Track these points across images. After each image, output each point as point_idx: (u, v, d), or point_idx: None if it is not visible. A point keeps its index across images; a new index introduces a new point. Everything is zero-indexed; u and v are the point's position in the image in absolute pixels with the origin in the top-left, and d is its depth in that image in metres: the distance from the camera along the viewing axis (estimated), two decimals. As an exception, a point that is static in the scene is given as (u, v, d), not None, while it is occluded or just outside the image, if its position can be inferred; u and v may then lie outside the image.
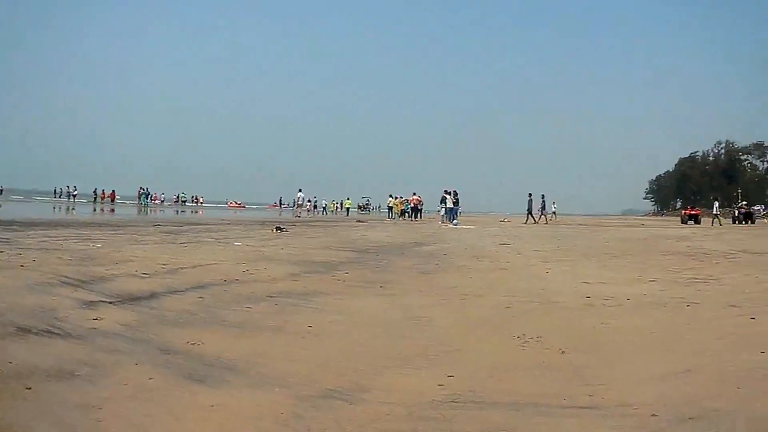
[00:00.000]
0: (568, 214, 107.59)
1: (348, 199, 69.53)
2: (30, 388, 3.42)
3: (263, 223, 27.85)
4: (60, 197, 67.93)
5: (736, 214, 48.84)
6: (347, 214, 60.28)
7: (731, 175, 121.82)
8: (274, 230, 20.40)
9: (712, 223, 44.75)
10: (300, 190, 50.53)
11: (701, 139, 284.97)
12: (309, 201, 57.96)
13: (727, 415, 3.34)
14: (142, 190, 64.62)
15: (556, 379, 4.06)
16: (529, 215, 42.99)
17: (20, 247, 10.17)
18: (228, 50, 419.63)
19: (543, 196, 43.69)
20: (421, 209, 48.98)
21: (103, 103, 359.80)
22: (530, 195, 43.04)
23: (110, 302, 5.98)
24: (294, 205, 53.28)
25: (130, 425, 3.03)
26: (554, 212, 54.31)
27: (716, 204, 48.17)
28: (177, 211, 51.65)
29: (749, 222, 45.39)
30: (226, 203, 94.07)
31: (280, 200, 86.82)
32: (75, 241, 12.16)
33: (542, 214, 43.43)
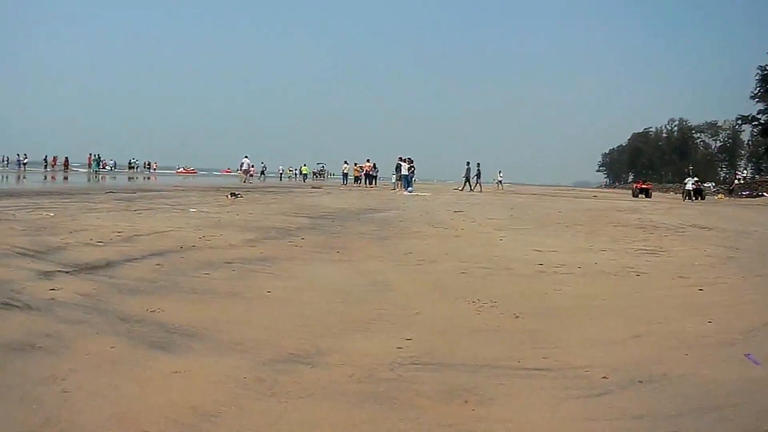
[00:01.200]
0: (520, 184, 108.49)
1: (305, 165, 69.03)
2: (-9, 364, 3.41)
3: (218, 189, 27.56)
4: (7, 165, 65.94)
5: (686, 190, 49.68)
6: (304, 180, 59.81)
7: (684, 151, 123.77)
8: (229, 196, 20.20)
9: (684, 198, 45.41)
10: (246, 156, 50.00)
11: (655, 115, 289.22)
12: (252, 166, 57.41)
13: (674, 379, 3.50)
14: (93, 157, 63.24)
15: (511, 342, 4.18)
16: (467, 183, 43.13)
17: (-29, 219, 9.95)
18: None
19: (478, 165, 43.57)
20: (376, 176, 48.89)
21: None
22: (468, 163, 43.10)
23: (67, 272, 5.93)
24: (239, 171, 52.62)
25: (95, 395, 3.04)
26: (500, 181, 54.65)
27: (692, 179, 48.53)
28: (129, 178, 50.80)
29: (700, 198, 46.14)
30: (177, 170, 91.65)
31: (242, 166, 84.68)
32: (28, 210, 11.91)
33: (477, 183, 43.45)
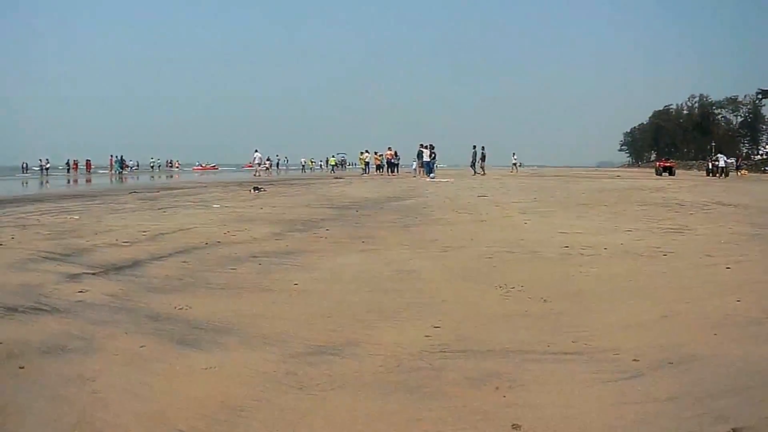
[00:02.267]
0: (543, 166, 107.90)
1: (333, 156, 68.60)
2: (23, 367, 3.44)
3: (240, 184, 27.65)
4: (26, 171, 66.19)
5: (710, 167, 49.15)
6: (332, 171, 59.42)
7: (705, 128, 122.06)
8: (252, 191, 20.30)
9: (720, 175, 45.19)
10: (256, 150, 50.18)
11: (675, 92, 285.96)
12: (269, 160, 57.63)
13: (704, 360, 3.46)
14: (114, 158, 63.59)
15: (540, 327, 4.15)
16: (473, 167, 42.69)
17: (-3, 225, 10.06)
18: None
19: (483, 148, 42.96)
20: (397, 164, 48.72)
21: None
22: (474, 147, 42.64)
23: (94, 273, 5.98)
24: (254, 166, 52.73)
25: (126, 393, 3.06)
26: (514, 164, 54.11)
27: (723, 157, 48.39)
28: (152, 177, 51.13)
29: (723, 175, 45.67)
30: (197, 166, 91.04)
31: (254, 160, 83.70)
32: (52, 215, 12.04)
33: (481, 166, 42.92)
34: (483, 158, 42.89)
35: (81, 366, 3.46)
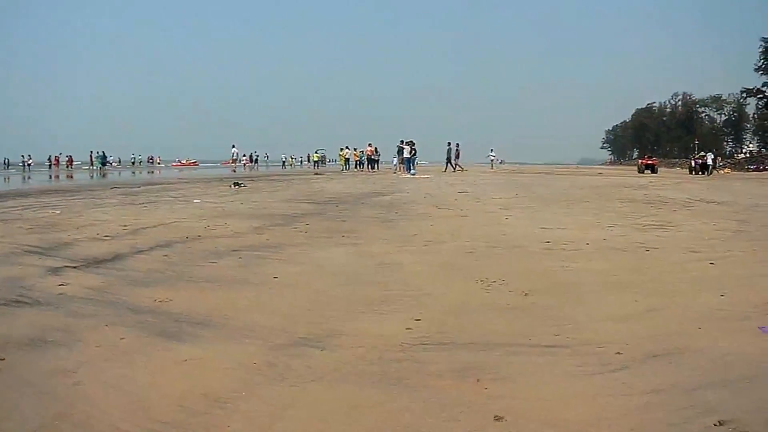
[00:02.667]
0: (524, 163, 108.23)
1: (316, 152, 68.07)
2: (4, 359, 3.42)
3: (221, 179, 27.56)
4: (8, 167, 65.44)
5: (693, 165, 49.40)
6: (316, 167, 58.80)
7: (689, 126, 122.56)
8: (233, 186, 20.26)
9: (703, 172, 45.56)
10: (233, 146, 50.25)
11: (659, 90, 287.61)
12: (245, 155, 57.95)
13: (689, 353, 3.48)
14: (94, 154, 63.11)
15: (522, 320, 4.17)
16: (448, 164, 42.62)
17: (-21, 220, 9.97)
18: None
19: (458, 145, 42.75)
20: (377, 160, 48.67)
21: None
22: (449, 144, 42.53)
23: (75, 267, 5.95)
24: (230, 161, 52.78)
25: (108, 386, 3.05)
26: (492, 160, 53.82)
27: (711, 155, 48.77)
28: (133, 173, 50.88)
29: (706, 173, 45.92)
30: (176, 162, 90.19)
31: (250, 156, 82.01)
32: (34, 209, 11.96)
33: (456, 163, 42.72)
34: (457, 155, 42.82)
35: (63, 358, 3.44)
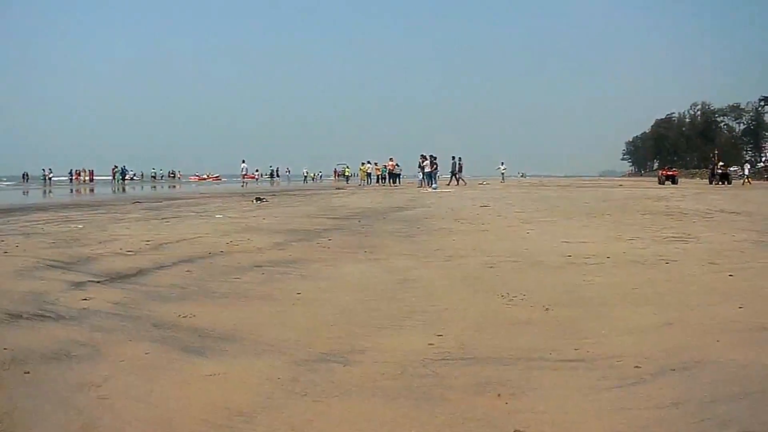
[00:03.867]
0: (546, 176, 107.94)
1: (338, 165, 67.47)
2: (28, 373, 3.47)
3: (243, 194, 27.70)
4: (27, 181, 66.05)
5: (713, 175, 49.04)
6: (347, 182, 58.27)
7: (708, 136, 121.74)
8: (255, 201, 20.36)
9: (743, 183, 45.54)
10: (243, 161, 50.74)
11: (677, 101, 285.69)
12: (257, 170, 58.96)
13: (707, 366, 3.47)
14: (116, 169, 63.80)
15: (543, 335, 4.17)
16: (453, 177, 42.42)
17: (1, 234, 10.10)
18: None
19: (460, 159, 42.37)
20: (399, 174, 48.70)
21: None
22: (453, 158, 42.22)
23: (98, 281, 6.02)
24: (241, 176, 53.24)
25: (132, 400, 3.09)
26: (502, 173, 53.36)
27: (747, 166, 48.76)
28: (154, 187, 51.31)
29: (726, 182, 45.54)
30: (194, 176, 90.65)
31: (276, 171, 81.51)
32: (56, 223, 12.11)
33: (460, 177, 42.38)
34: (460, 168, 42.69)
35: (87, 372, 3.48)
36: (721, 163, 51.34)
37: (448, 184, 40.62)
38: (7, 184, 57.05)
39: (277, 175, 72.20)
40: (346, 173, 65.36)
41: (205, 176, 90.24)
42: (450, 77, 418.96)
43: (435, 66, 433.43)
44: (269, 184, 51.92)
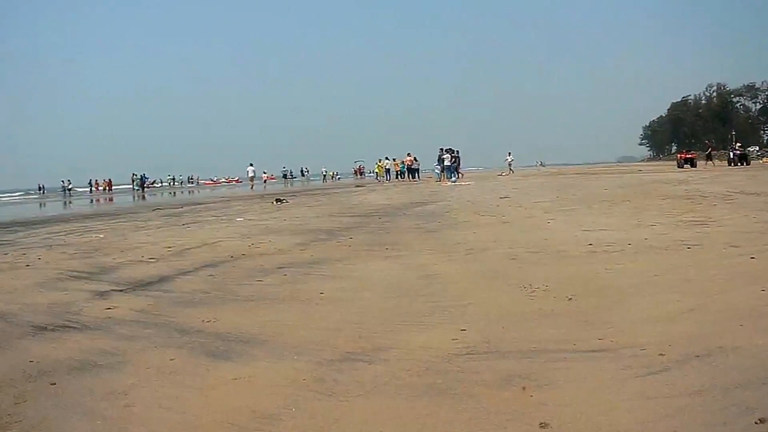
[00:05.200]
0: (565, 164, 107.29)
1: (382, 159, 62.17)
2: (55, 384, 3.53)
3: (262, 196, 27.80)
4: (44, 193, 66.45)
5: (732, 156, 48.49)
6: (379, 181, 55.54)
7: (724, 117, 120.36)
8: (274, 202, 20.39)
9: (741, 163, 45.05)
10: (251, 164, 50.75)
11: (692, 83, 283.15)
12: (264, 173, 59.71)
13: (731, 352, 3.45)
14: (135, 176, 64.09)
15: (566, 325, 4.16)
16: (443, 172, 41.38)
17: (24, 246, 10.27)
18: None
19: (458, 152, 41.06)
20: (418, 169, 48.45)
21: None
22: (456, 151, 41.10)
23: (121, 290, 6.08)
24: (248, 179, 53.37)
25: (158, 407, 3.13)
26: (509, 165, 52.31)
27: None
28: (173, 193, 51.60)
29: (744, 163, 44.98)
30: (208, 180, 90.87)
31: (290, 172, 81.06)
32: (78, 234, 12.27)
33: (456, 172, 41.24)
34: (458, 162, 41.99)
35: (113, 381, 3.53)
36: (739, 144, 50.79)
37: (439, 180, 39.96)
38: (26, 197, 57.55)
39: (291, 176, 72.26)
40: (379, 171, 60.84)
41: (223, 180, 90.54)
42: (465, 74, 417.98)
43: (454, 61, 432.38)
44: (283, 186, 51.84)
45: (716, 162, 48.20)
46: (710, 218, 9.45)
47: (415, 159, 48.01)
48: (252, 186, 48.25)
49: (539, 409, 2.84)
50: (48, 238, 11.74)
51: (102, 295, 5.90)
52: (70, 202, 40.16)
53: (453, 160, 37.35)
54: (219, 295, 5.68)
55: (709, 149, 48.89)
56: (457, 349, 3.77)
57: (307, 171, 78.03)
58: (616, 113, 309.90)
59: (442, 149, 38.56)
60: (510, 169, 51.94)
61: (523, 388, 3.10)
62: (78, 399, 3.28)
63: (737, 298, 4.57)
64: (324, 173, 75.35)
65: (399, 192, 25.33)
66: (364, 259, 7.40)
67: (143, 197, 43.39)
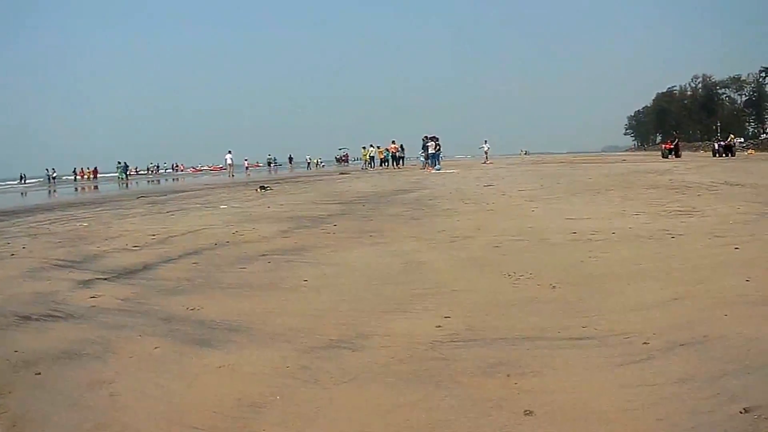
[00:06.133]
0: (549, 153, 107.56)
1: (373, 146, 61.32)
2: (40, 374, 3.51)
3: (246, 184, 27.71)
4: (25, 182, 66.01)
5: (716, 148, 48.72)
6: (372, 167, 54.22)
7: (710, 108, 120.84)
8: (258, 190, 20.32)
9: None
10: (229, 152, 50.55)
11: (678, 74, 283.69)
12: (246, 160, 59.98)
13: (715, 341, 3.47)
14: (120, 165, 63.71)
15: (550, 313, 4.17)
16: (427, 160, 41.26)
17: (7, 236, 10.15)
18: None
19: (437, 139, 41.10)
20: (402, 157, 48.36)
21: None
22: (425, 137, 41.05)
23: (105, 279, 6.04)
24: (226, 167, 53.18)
25: (143, 396, 3.11)
26: (485, 153, 52.14)
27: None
28: (157, 181, 51.37)
29: (729, 155, 45.27)
30: (189, 168, 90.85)
31: (275, 159, 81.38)
32: (62, 223, 12.16)
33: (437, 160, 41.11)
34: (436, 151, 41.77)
35: (98, 370, 3.51)
36: (732, 136, 51.15)
37: (423, 168, 39.89)
38: (7, 186, 57.08)
39: (276, 163, 72.31)
40: (364, 157, 60.17)
41: (206, 167, 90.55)
42: (449, 59, 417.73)
43: (438, 50, 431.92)
44: (267, 173, 51.69)
45: (698, 153, 48.33)
46: (694, 208, 9.50)
47: (401, 147, 47.87)
48: (231, 174, 48.08)
49: (524, 397, 2.85)
50: (32, 227, 11.61)
51: (86, 283, 5.85)
52: (54, 190, 39.88)
53: (436, 147, 37.31)
54: (203, 283, 5.66)
55: (676, 140, 48.85)
56: (441, 337, 3.78)
57: (291, 159, 78.03)
58: (601, 103, 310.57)
59: (426, 137, 38.53)
60: (486, 157, 51.75)
61: (508, 376, 3.11)
62: (63, 389, 3.26)
63: (722, 288, 4.59)
64: (308, 161, 75.23)
65: (383, 180, 25.32)
66: (348, 246, 7.39)
67: (127, 185, 43.15)
